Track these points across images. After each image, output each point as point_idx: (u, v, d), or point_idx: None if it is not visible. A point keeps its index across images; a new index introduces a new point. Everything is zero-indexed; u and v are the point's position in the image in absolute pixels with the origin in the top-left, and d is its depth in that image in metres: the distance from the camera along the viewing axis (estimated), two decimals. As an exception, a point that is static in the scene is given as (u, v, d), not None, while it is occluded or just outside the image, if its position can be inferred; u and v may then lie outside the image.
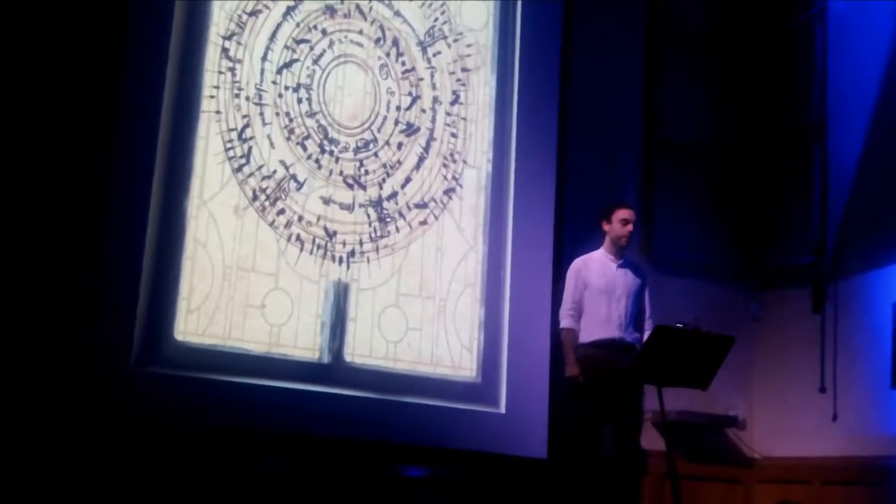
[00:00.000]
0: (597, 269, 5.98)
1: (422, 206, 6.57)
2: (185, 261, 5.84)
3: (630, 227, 5.97)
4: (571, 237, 6.84)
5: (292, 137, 6.27)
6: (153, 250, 5.73)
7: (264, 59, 6.25)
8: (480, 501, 6.23)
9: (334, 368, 6.14)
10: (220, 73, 6.10)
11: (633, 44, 7.58)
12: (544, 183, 6.85)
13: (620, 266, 6.01)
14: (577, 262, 6.07)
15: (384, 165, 6.50)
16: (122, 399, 5.47)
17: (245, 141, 6.12)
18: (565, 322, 5.97)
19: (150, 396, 5.55)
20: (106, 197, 5.59)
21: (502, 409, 6.49)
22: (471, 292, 6.61)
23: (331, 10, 6.51)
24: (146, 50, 5.79)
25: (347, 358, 6.20)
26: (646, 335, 5.77)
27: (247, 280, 5.99)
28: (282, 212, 6.15)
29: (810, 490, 6.80)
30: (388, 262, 6.40)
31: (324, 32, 6.47)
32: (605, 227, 6.04)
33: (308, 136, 6.31)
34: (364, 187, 6.42)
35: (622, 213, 6.00)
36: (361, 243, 6.33)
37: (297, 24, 6.39)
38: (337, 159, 6.37)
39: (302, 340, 6.09)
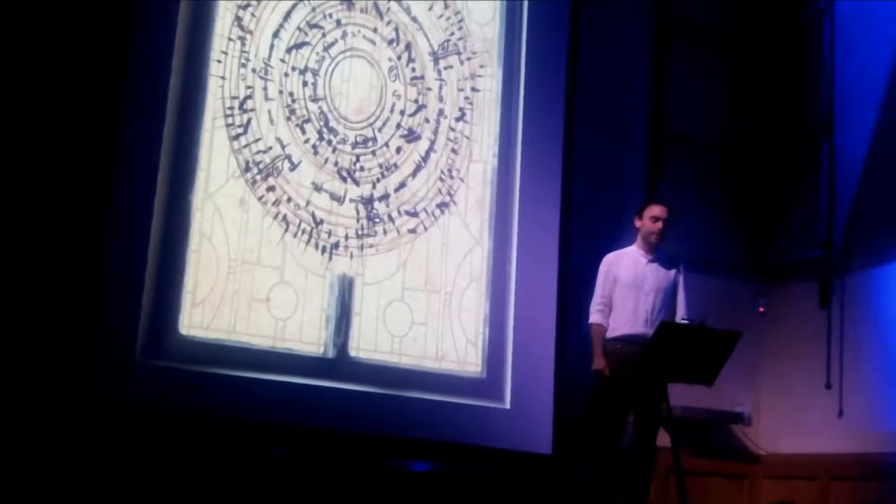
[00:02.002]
0: (627, 264, 5.91)
1: (413, 214, 6.53)
2: (191, 254, 5.84)
3: (660, 224, 5.86)
4: (578, 231, 6.83)
5: (293, 118, 6.25)
6: (158, 243, 5.73)
7: (275, 35, 6.25)
8: (485, 496, 6.21)
9: (339, 363, 6.14)
10: (230, 39, 6.11)
11: (640, 37, 7.56)
12: (551, 177, 6.83)
13: (651, 261, 5.93)
14: (609, 257, 6.00)
15: (380, 165, 6.47)
16: (127, 392, 5.48)
17: (245, 112, 6.11)
18: (594, 317, 5.90)
19: (155, 390, 5.55)
20: (111, 190, 5.59)
21: (507, 405, 6.48)
22: (476, 287, 6.59)
23: (348, 2, 6.49)
24: (154, 34, 5.80)
25: (352, 352, 6.20)
26: None
27: (252, 273, 5.98)
28: (271, 189, 6.12)
29: (816, 486, 6.79)
30: (394, 255, 6.38)
31: (338, 23, 6.46)
32: (637, 224, 5.96)
33: (308, 120, 6.29)
34: (357, 182, 6.39)
35: (653, 210, 5.91)
36: (347, 237, 6.30)
37: (313, 9, 6.39)
38: (334, 149, 6.35)
39: (307, 335, 6.08)
